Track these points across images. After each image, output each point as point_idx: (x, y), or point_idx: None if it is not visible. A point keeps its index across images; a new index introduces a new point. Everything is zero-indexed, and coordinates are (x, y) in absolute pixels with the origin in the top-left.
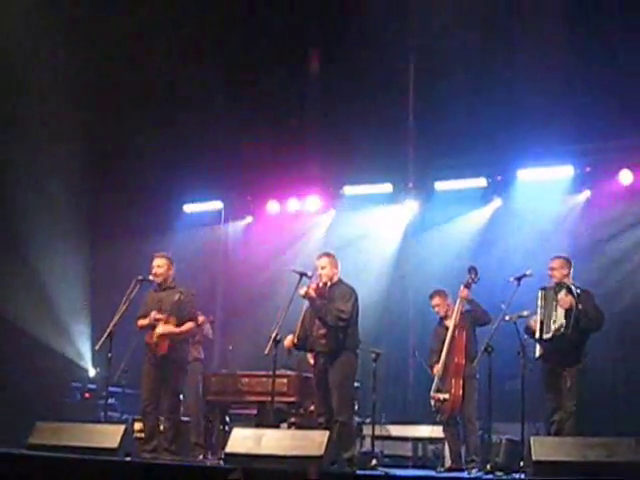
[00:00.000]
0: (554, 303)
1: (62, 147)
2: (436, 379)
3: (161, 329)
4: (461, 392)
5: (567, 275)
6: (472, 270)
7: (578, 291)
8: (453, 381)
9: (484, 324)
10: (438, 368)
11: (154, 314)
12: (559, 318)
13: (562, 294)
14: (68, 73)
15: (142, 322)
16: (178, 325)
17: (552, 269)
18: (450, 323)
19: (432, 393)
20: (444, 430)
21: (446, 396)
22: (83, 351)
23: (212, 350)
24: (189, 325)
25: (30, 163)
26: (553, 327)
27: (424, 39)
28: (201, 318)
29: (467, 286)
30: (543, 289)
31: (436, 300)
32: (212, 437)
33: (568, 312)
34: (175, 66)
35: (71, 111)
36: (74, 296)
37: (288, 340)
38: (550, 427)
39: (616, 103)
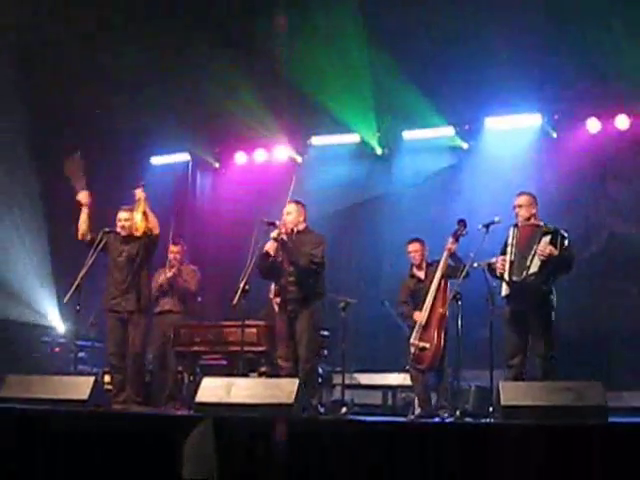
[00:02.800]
0: (534, 247)
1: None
2: (417, 327)
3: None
4: (442, 343)
5: (534, 214)
6: (461, 223)
7: (563, 234)
8: (435, 332)
9: (457, 277)
10: (420, 316)
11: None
12: (534, 265)
13: (544, 243)
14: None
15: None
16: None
17: (519, 206)
18: (421, 274)
19: (412, 340)
20: (412, 378)
21: (427, 345)
22: (49, 310)
23: (191, 301)
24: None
25: None
26: (525, 273)
27: None
28: (189, 268)
29: (456, 238)
30: (515, 226)
31: (416, 246)
32: (182, 389)
33: (544, 262)
34: (141, 19)
35: (24, 62)
36: (40, 249)
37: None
38: (509, 371)
39: (585, 51)
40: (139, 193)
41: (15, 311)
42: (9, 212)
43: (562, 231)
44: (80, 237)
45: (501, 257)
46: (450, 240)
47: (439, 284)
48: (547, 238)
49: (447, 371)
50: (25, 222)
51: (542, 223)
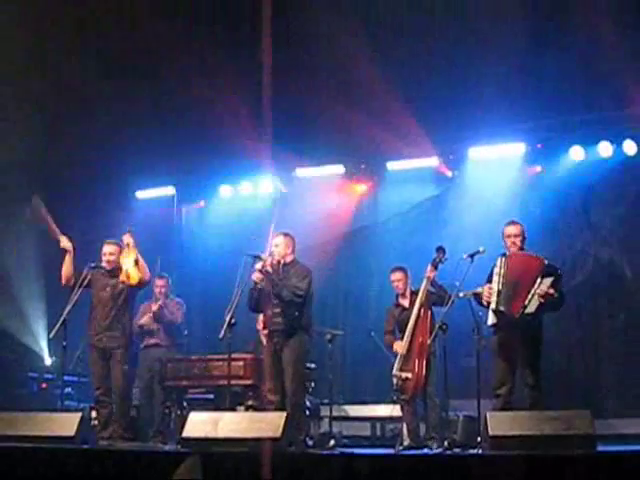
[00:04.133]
0: (533, 284)
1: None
2: (399, 357)
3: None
4: (424, 372)
5: (524, 242)
6: (440, 250)
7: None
8: (417, 361)
9: (442, 304)
10: (401, 346)
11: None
12: (532, 305)
13: (545, 285)
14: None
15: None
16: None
17: (515, 236)
18: (405, 302)
19: (394, 371)
20: (402, 409)
21: (409, 375)
22: (39, 339)
23: (179, 334)
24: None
25: None
26: (514, 309)
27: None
28: (175, 301)
29: (434, 266)
30: (503, 255)
31: (398, 275)
32: (170, 423)
33: (542, 303)
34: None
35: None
36: (30, 283)
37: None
38: (496, 400)
39: (567, 80)
40: (127, 239)
41: (14, 328)
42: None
43: (559, 271)
44: (64, 282)
45: (487, 286)
46: (429, 268)
47: (419, 313)
48: (549, 280)
49: (435, 401)
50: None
51: (544, 260)
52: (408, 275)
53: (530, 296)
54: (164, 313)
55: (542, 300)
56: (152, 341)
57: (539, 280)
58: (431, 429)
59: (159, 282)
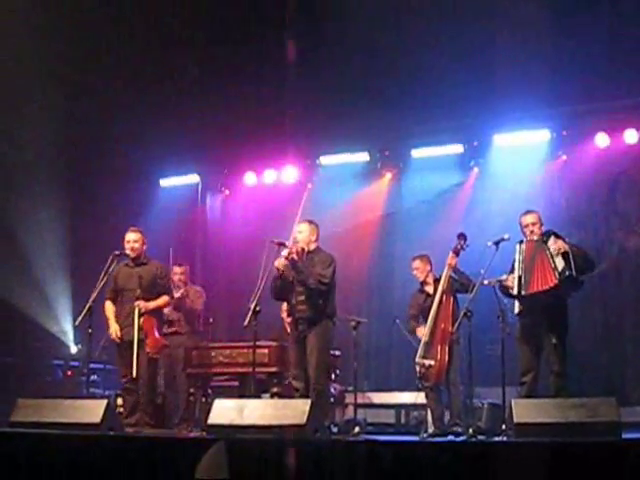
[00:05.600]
0: (546, 252)
1: (40, 121)
2: (421, 345)
3: (142, 309)
4: (447, 359)
5: (542, 229)
6: (461, 237)
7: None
8: (439, 348)
9: (467, 291)
10: (424, 333)
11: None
12: (559, 264)
13: (552, 241)
14: (41, 52)
15: (109, 312)
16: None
17: (533, 224)
18: (429, 289)
19: (417, 359)
20: (427, 396)
21: (432, 362)
22: (65, 327)
23: (198, 322)
24: (165, 299)
25: (10, 138)
26: (554, 274)
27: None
28: (194, 289)
29: (456, 253)
30: (521, 242)
31: (417, 263)
32: (195, 410)
33: (565, 255)
34: (148, 40)
35: (47, 87)
36: (57, 271)
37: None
38: (521, 388)
39: (592, 66)
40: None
41: (40, 316)
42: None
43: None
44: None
45: (511, 276)
46: (450, 255)
47: (440, 300)
48: (552, 237)
49: (459, 388)
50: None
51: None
52: (430, 262)
53: (552, 259)
54: (185, 302)
55: (560, 251)
56: (172, 329)
57: (544, 247)
58: (455, 416)
59: (178, 270)
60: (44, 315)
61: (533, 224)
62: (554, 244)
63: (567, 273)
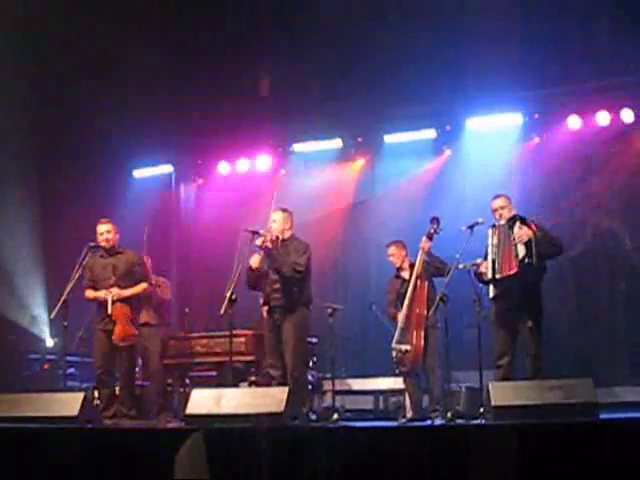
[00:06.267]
0: (511, 238)
1: (6, 115)
2: (398, 330)
3: (115, 296)
4: (422, 343)
5: (512, 212)
6: (434, 221)
7: (533, 218)
8: (415, 332)
9: (443, 275)
10: (400, 318)
11: (104, 293)
12: (520, 251)
13: (517, 228)
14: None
15: (92, 294)
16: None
17: (501, 208)
18: (406, 274)
19: (393, 344)
20: (405, 381)
21: (408, 347)
22: (40, 321)
23: (168, 313)
24: (142, 286)
25: None
26: (515, 261)
27: None
28: (161, 279)
29: (429, 237)
30: (493, 227)
31: (392, 249)
32: (173, 401)
33: (528, 243)
34: (117, 29)
35: (13, 79)
36: (28, 265)
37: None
38: (498, 371)
39: (563, 49)
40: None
41: (12, 312)
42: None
43: (519, 215)
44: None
45: (485, 262)
46: (424, 239)
47: (415, 285)
48: (517, 223)
49: (436, 373)
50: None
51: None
52: (405, 248)
53: (515, 249)
54: (156, 291)
55: (523, 240)
56: (143, 320)
57: (511, 232)
58: (435, 401)
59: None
60: (17, 309)
61: (502, 208)
62: (518, 231)
63: (526, 261)
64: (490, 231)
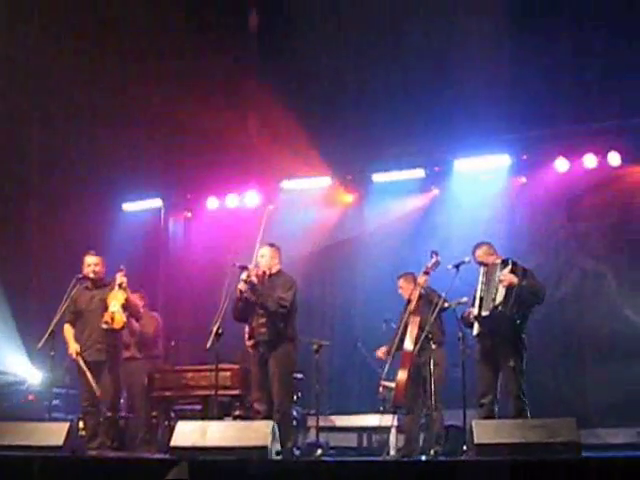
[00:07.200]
0: (497, 280)
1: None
2: (387, 367)
3: (114, 302)
4: (405, 381)
5: (496, 258)
6: (433, 254)
7: (521, 264)
8: (400, 369)
9: (443, 309)
10: (390, 355)
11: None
12: (499, 295)
13: (506, 271)
14: None
15: (68, 334)
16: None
17: (484, 255)
18: (412, 307)
19: (382, 381)
20: (406, 415)
21: (392, 385)
22: (18, 363)
23: (155, 347)
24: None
25: None
26: (492, 305)
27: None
28: (149, 314)
29: (426, 272)
30: (485, 265)
31: (401, 282)
32: (157, 433)
33: (509, 290)
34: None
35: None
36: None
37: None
38: (480, 409)
39: (551, 92)
40: (120, 278)
41: None
42: None
43: (519, 263)
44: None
45: (468, 310)
46: (420, 274)
47: (406, 321)
48: (507, 268)
49: (440, 411)
50: None
51: (501, 258)
52: (414, 280)
53: (496, 290)
54: (134, 326)
55: (505, 284)
56: (128, 354)
57: (498, 273)
58: (434, 439)
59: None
60: None
61: (484, 255)
62: (504, 274)
63: (500, 309)
64: (482, 269)
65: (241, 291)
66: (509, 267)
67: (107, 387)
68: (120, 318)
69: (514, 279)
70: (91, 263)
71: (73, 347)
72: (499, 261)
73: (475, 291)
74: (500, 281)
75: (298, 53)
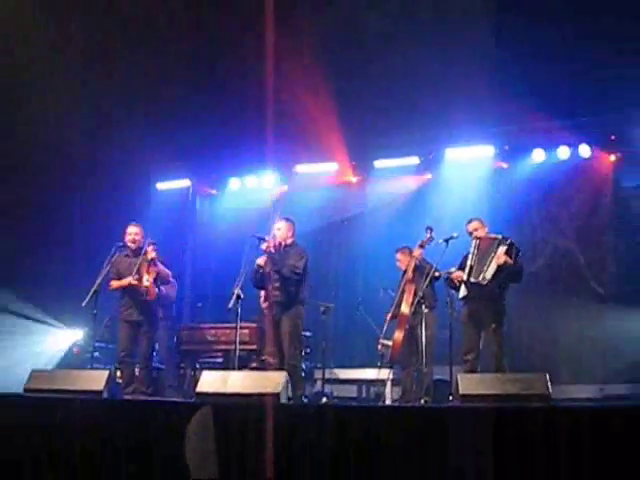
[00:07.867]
0: (492, 254)
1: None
2: (385, 326)
3: (147, 277)
4: (401, 340)
5: (485, 231)
6: (428, 230)
7: (517, 247)
8: (397, 330)
9: (437, 279)
10: (388, 316)
11: (130, 279)
12: (490, 270)
13: (501, 251)
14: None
15: (116, 283)
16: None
17: (475, 230)
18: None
19: (380, 339)
20: (402, 370)
21: (389, 343)
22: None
23: (173, 309)
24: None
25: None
26: (480, 276)
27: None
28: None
29: (421, 246)
30: (478, 238)
31: (398, 255)
32: (184, 382)
33: (500, 267)
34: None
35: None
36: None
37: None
38: (465, 365)
39: (531, 91)
40: (151, 252)
41: None
42: None
43: (516, 245)
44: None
45: (457, 273)
46: (416, 248)
47: (403, 288)
48: (504, 248)
49: (423, 368)
50: None
51: (500, 236)
52: (410, 253)
53: (489, 264)
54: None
55: (499, 263)
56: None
57: (495, 250)
58: (424, 391)
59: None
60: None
61: (475, 229)
62: (501, 253)
63: (484, 283)
64: (474, 242)
65: (259, 265)
66: (505, 248)
67: (144, 344)
68: (153, 291)
69: (509, 260)
70: (132, 232)
71: (128, 280)
72: (500, 237)
73: (465, 258)
74: (495, 259)
75: (313, 46)
